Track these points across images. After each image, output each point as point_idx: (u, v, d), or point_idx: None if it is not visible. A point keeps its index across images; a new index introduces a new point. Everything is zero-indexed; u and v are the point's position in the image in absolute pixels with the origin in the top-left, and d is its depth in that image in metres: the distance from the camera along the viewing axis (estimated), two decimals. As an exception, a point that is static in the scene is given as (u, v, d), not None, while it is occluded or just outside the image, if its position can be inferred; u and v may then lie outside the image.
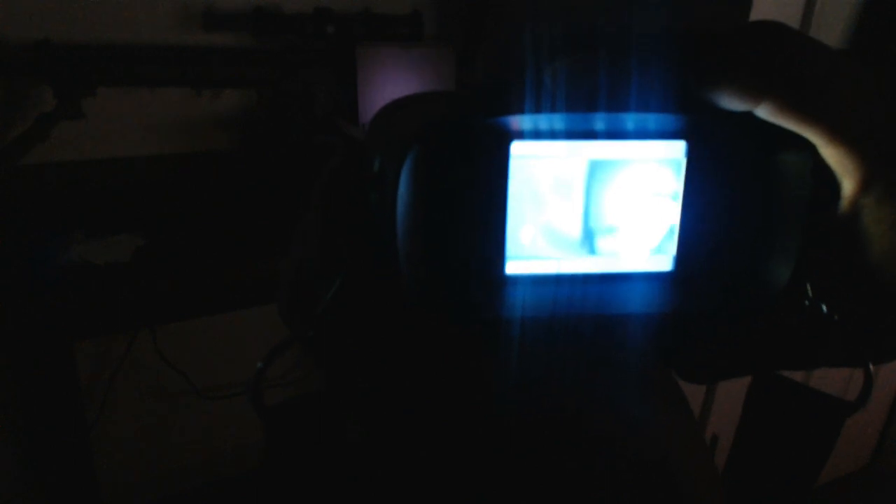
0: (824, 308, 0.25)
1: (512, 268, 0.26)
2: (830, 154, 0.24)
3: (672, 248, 0.27)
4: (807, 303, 0.25)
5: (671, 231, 0.27)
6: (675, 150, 0.26)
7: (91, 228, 0.72)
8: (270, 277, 0.69)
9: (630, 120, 0.25)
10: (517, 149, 0.24)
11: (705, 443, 0.25)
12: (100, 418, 0.94)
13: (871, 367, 0.27)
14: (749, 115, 0.23)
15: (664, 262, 0.27)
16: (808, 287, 0.25)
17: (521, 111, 0.23)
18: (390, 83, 0.84)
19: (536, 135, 0.24)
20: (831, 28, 1.20)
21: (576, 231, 0.26)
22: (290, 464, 0.27)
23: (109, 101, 0.75)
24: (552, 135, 0.25)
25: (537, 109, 0.23)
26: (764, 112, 0.23)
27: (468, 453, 0.23)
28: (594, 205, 0.26)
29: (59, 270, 0.71)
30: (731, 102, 0.23)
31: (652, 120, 0.25)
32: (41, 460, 0.90)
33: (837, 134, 0.23)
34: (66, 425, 0.88)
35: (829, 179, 0.24)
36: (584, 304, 0.26)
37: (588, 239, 0.26)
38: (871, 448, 1.83)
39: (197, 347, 0.97)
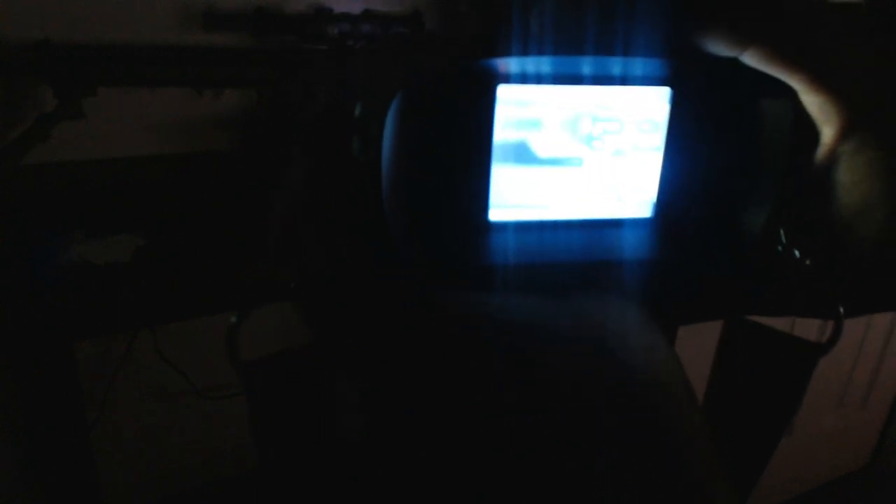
0: (797, 253, 0.25)
1: (496, 214, 0.25)
2: (812, 101, 0.24)
3: (652, 195, 0.27)
4: (780, 248, 0.26)
5: (652, 178, 0.27)
6: (660, 97, 0.26)
7: (91, 228, 0.72)
8: (270, 278, 0.69)
9: (616, 65, 0.25)
10: (503, 92, 0.24)
11: (690, 384, 0.25)
12: (100, 418, 0.94)
13: (841, 310, 0.28)
14: (734, 62, 0.23)
15: (644, 208, 0.27)
16: (782, 233, 0.26)
17: (507, 54, 0.22)
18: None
19: (523, 78, 0.24)
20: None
21: (558, 177, 0.26)
22: (274, 422, 0.27)
23: (110, 101, 0.75)
24: (538, 79, 0.24)
25: (524, 52, 0.22)
26: (750, 58, 0.23)
27: (468, 453, 0.23)
28: (577, 152, 0.26)
29: (59, 270, 0.71)
30: (719, 48, 0.23)
31: (638, 66, 0.25)
32: (41, 460, 0.90)
33: (821, 81, 0.23)
34: (66, 425, 0.88)
35: (809, 127, 0.24)
36: (568, 250, 0.26)
37: (571, 185, 0.26)
38: (871, 448, 1.83)
39: (197, 347, 0.97)
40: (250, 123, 0.85)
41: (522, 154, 0.25)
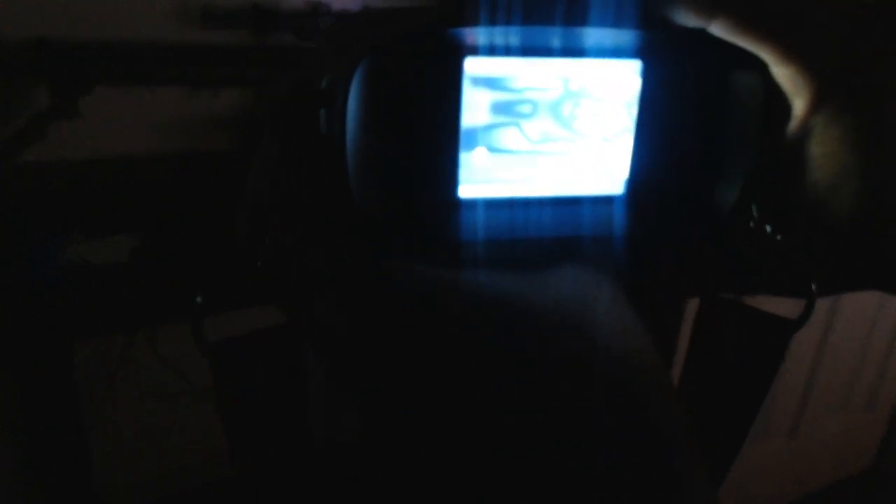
0: (768, 228, 0.25)
1: (465, 191, 0.25)
2: (783, 73, 0.24)
3: (624, 172, 0.27)
4: (752, 224, 0.26)
5: (624, 154, 0.26)
6: (631, 70, 0.25)
7: (90, 228, 0.72)
8: (241, 256, 0.69)
9: (587, 37, 0.24)
10: (471, 65, 0.23)
11: (662, 362, 0.24)
12: (99, 419, 0.94)
13: (813, 288, 0.28)
14: (703, 33, 0.23)
15: (616, 185, 0.27)
16: (754, 208, 0.26)
17: (475, 23, 0.22)
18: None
19: (491, 51, 0.23)
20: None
21: (530, 154, 0.25)
22: (240, 401, 0.27)
23: (107, 100, 0.74)
24: (507, 51, 0.24)
25: (492, 22, 0.22)
26: (718, 28, 0.23)
27: (468, 453, 0.22)
28: (548, 127, 0.25)
29: (59, 270, 0.71)
30: (686, 17, 0.23)
31: (608, 38, 0.24)
32: (41, 460, 0.90)
33: (791, 52, 0.23)
34: (65, 425, 0.88)
35: (780, 99, 0.24)
36: (539, 227, 0.25)
37: (543, 162, 0.26)
38: (875, 450, 1.82)
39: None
40: (250, 123, 0.85)
41: (492, 130, 0.25)
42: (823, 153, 0.24)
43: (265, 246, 0.24)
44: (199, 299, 0.25)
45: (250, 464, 0.28)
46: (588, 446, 0.22)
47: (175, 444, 1.05)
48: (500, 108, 0.24)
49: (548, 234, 0.25)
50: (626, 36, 0.25)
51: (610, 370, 0.23)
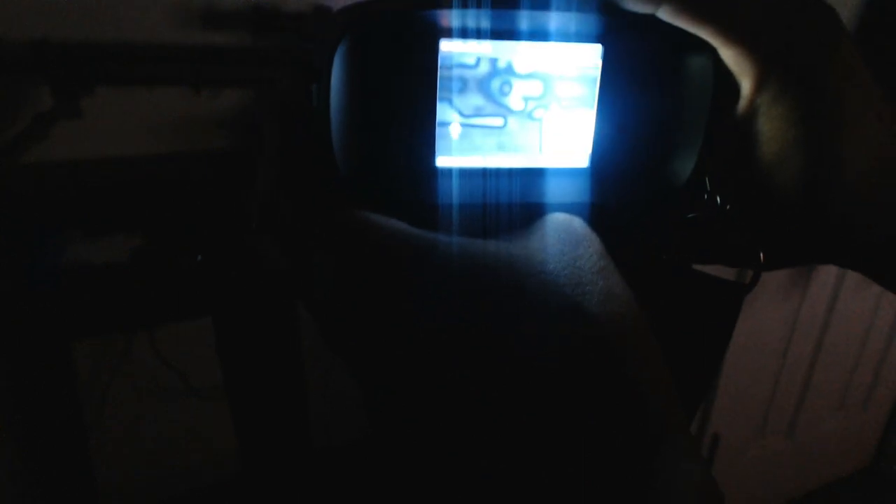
0: (719, 199, 0.27)
1: (442, 161, 0.27)
2: (728, 55, 0.26)
3: (588, 147, 0.29)
4: (705, 195, 0.28)
5: (587, 131, 0.29)
6: (592, 54, 0.28)
7: (90, 228, 0.72)
8: (254, 249, 0.69)
9: (551, 22, 0.27)
10: (445, 46, 0.26)
11: (647, 324, 0.24)
12: (99, 418, 0.94)
13: (761, 256, 0.30)
14: (655, 19, 0.26)
15: (580, 158, 0.29)
16: (707, 181, 0.28)
17: (448, 6, 0.24)
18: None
19: (464, 33, 0.26)
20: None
21: (502, 128, 0.28)
22: (241, 351, 0.28)
23: (108, 100, 0.75)
24: (479, 34, 0.26)
25: (464, 5, 0.24)
26: (664, 14, 0.25)
27: (468, 453, 0.22)
28: (517, 104, 0.28)
29: (59, 270, 0.71)
30: (635, 5, 0.26)
31: (572, 23, 0.27)
32: (40, 460, 0.90)
33: (731, 35, 0.25)
34: (64, 425, 0.88)
35: (729, 80, 0.26)
36: (510, 194, 0.28)
37: (513, 135, 0.28)
38: (871, 449, 1.83)
39: (196, 348, 0.97)
40: (250, 123, 0.85)
41: (467, 106, 0.27)
42: (770, 129, 0.26)
43: (277, 236, 0.26)
44: (199, 258, 0.27)
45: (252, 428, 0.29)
46: (587, 444, 0.22)
47: (175, 444, 1.05)
48: (474, 86, 0.27)
49: (519, 200, 0.28)
50: (587, 21, 0.27)
51: (598, 345, 0.22)
